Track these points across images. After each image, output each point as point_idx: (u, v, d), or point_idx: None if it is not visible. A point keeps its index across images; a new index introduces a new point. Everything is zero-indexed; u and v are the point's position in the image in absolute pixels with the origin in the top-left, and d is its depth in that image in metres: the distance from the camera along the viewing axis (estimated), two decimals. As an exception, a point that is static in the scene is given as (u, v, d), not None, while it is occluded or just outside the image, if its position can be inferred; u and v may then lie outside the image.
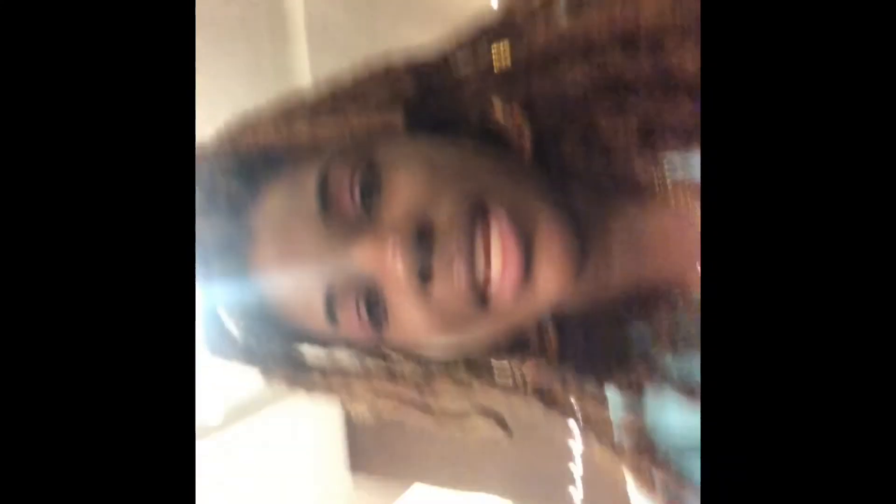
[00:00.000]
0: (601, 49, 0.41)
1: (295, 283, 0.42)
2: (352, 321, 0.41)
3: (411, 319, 0.40)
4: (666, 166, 0.43)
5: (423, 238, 0.37)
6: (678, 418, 0.44)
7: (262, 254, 0.42)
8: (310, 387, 0.47)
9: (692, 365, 0.43)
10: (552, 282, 0.38)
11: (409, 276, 0.37)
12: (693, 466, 0.44)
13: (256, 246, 0.43)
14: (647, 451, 0.44)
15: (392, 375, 0.46)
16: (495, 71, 0.44)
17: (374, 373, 0.47)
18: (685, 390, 0.43)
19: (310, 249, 0.40)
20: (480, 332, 0.42)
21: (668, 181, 0.43)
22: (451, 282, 0.38)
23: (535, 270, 0.38)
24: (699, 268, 0.43)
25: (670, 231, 0.45)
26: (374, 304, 0.40)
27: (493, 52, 0.44)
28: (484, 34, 0.45)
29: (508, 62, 0.44)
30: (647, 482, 0.44)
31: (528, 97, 0.43)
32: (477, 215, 0.38)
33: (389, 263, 0.37)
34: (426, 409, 0.48)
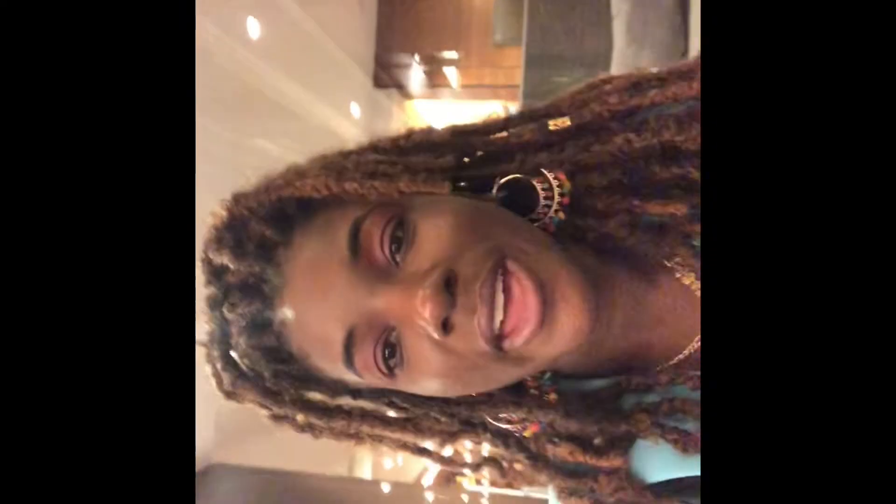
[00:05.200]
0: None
1: (319, 321, 0.44)
2: (368, 364, 0.44)
3: (428, 367, 0.42)
4: (694, 251, 0.45)
5: (447, 290, 0.40)
6: (666, 470, 0.45)
7: (291, 292, 0.45)
8: (317, 433, 0.50)
9: (688, 427, 0.44)
10: (568, 333, 0.40)
11: (435, 324, 0.40)
12: None
13: (287, 286, 0.45)
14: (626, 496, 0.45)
15: (392, 422, 0.49)
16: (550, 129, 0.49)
17: (374, 416, 0.50)
18: (680, 447, 0.43)
19: (337, 291, 0.43)
20: (488, 383, 0.44)
21: (692, 264, 0.45)
22: (471, 332, 0.40)
23: (554, 317, 0.40)
24: (698, 344, 0.45)
25: (677, 309, 0.47)
26: (392, 350, 0.43)
27: (551, 125, 0.50)
28: (546, 114, 0.50)
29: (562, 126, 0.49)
30: None
31: (573, 164, 0.47)
32: (498, 269, 0.40)
33: (417, 312, 0.40)
34: (424, 455, 0.50)
